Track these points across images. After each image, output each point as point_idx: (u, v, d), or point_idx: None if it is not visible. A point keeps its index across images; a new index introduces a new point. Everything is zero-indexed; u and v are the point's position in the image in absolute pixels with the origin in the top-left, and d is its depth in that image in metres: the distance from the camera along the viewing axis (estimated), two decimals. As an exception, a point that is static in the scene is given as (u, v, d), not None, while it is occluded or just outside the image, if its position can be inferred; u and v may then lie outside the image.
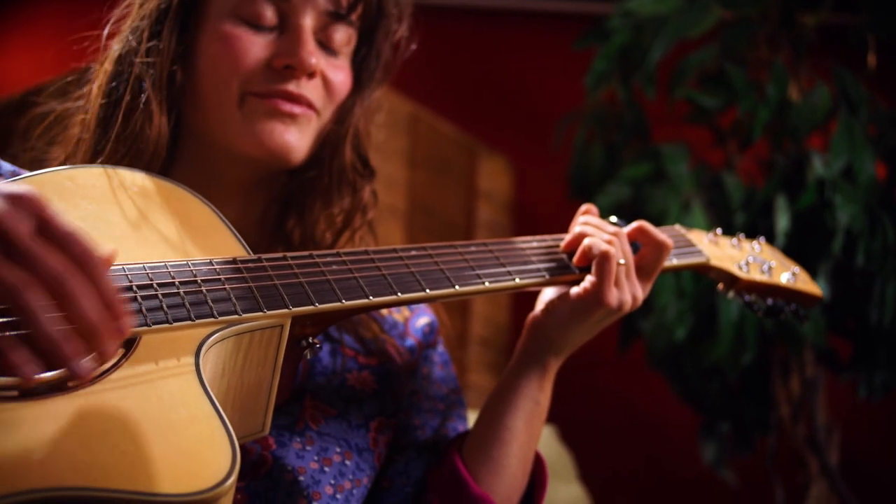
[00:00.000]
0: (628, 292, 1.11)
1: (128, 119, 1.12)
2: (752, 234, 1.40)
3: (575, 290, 1.10)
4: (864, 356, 2.37)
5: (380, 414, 1.16)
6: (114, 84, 1.16)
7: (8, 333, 0.72)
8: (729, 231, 1.43)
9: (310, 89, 1.14)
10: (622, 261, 1.10)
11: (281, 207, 1.23)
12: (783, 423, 2.50)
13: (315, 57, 1.13)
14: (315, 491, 1.04)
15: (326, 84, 1.17)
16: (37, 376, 0.73)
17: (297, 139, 1.14)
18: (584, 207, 1.20)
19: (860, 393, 2.38)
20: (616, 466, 3.11)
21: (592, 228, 1.14)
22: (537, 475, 1.18)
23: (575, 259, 1.13)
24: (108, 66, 1.18)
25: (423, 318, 1.32)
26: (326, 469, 1.07)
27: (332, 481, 1.06)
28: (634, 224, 1.16)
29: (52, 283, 0.70)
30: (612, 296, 1.09)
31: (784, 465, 2.56)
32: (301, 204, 1.21)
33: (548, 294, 1.17)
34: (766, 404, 2.50)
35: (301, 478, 1.04)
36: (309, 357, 0.99)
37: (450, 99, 3.51)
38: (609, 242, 1.10)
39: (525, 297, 1.23)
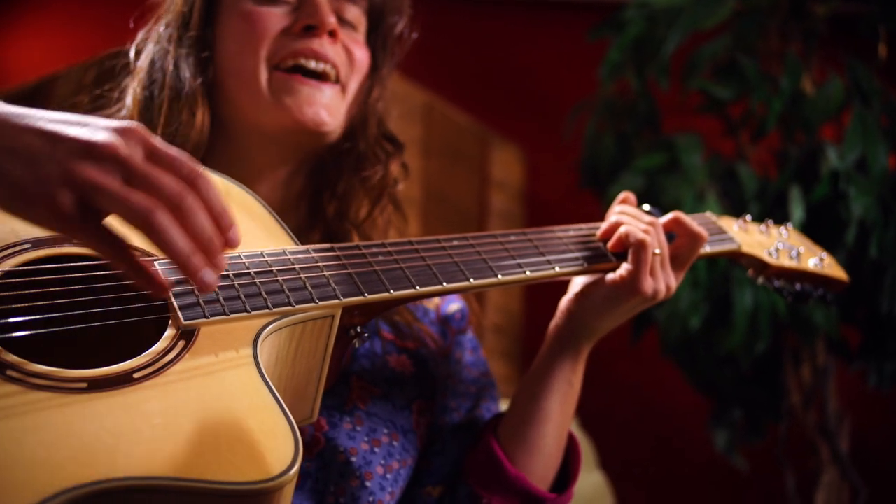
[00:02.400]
0: (663, 281, 1.13)
1: (170, 111, 1.17)
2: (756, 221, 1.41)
3: (611, 276, 1.12)
4: (874, 346, 2.39)
5: (419, 397, 1.19)
6: (152, 79, 1.21)
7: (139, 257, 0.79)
8: (744, 221, 1.44)
9: (333, 51, 1.19)
10: (658, 250, 1.12)
11: (316, 186, 1.27)
12: (795, 410, 2.52)
13: (333, 17, 1.19)
14: (367, 471, 1.07)
15: (348, 54, 1.22)
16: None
17: (326, 111, 1.18)
18: (621, 196, 1.22)
19: (870, 381, 2.40)
20: (629, 454, 3.13)
21: (629, 217, 1.16)
22: (571, 454, 1.20)
23: (610, 244, 1.15)
24: (144, 62, 1.23)
25: (453, 305, 1.34)
26: (376, 450, 1.09)
27: (382, 462, 1.09)
28: (670, 215, 1.18)
29: (172, 203, 0.75)
30: (648, 284, 1.11)
31: (795, 452, 2.58)
32: (335, 176, 1.25)
33: (582, 279, 1.19)
34: (778, 392, 2.52)
35: (353, 459, 1.07)
36: (357, 346, 1.01)
37: (463, 88, 3.52)
38: (645, 232, 1.12)
39: (538, 287, 1.25)
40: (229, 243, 0.80)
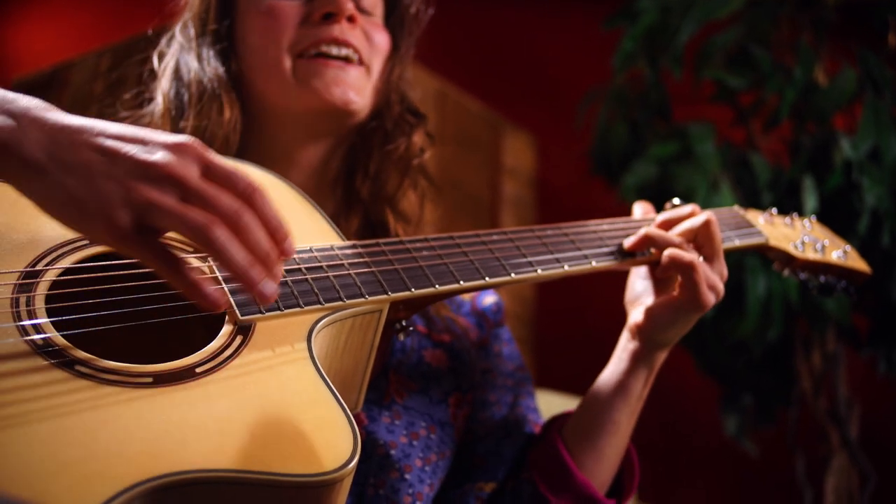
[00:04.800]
0: (720, 282, 1.13)
1: (200, 108, 1.19)
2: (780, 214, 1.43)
3: (673, 299, 1.13)
4: (883, 333, 2.42)
5: (456, 389, 1.21)
6: (179, 78, 1.23)
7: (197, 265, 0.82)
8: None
9: (353, 35, 1.21)
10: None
11: (349, 169, 1.29)
12: (805, 396, 2.55)
13: (351, 3, 1.20)
14: (406, 464, 1.10)
15: (368, 38, 1.24)
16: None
17: (353, 90, 1.20)
18: (640, 209, 1.24)
19: (880, 368, 2.43)
20: (640, 438, 3.16)
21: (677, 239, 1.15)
22: (625, 461, 1.23)
23: (664, 261, 1.14)
24: (168, 63, 1.25)
25: (489, 298, 1.36)
26: (415, 443, 1.12)
27: (421, 454, 1.12)
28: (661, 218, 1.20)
29: (229, 220, 0.77)
30: (709, 298, 1.11)
31: (805, 437, 2.61)
32: (366, 157, 1.27)
33: (645, 300, 1.19)
34: (789, 378, 2.54)
35: (393, 452, 1.09)
36: (402, 339, 1.03)
37: (476, 76, 3.53)
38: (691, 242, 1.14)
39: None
40: (285, 254, 0.82)
